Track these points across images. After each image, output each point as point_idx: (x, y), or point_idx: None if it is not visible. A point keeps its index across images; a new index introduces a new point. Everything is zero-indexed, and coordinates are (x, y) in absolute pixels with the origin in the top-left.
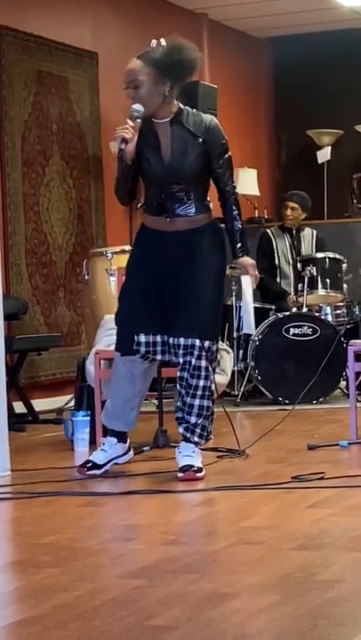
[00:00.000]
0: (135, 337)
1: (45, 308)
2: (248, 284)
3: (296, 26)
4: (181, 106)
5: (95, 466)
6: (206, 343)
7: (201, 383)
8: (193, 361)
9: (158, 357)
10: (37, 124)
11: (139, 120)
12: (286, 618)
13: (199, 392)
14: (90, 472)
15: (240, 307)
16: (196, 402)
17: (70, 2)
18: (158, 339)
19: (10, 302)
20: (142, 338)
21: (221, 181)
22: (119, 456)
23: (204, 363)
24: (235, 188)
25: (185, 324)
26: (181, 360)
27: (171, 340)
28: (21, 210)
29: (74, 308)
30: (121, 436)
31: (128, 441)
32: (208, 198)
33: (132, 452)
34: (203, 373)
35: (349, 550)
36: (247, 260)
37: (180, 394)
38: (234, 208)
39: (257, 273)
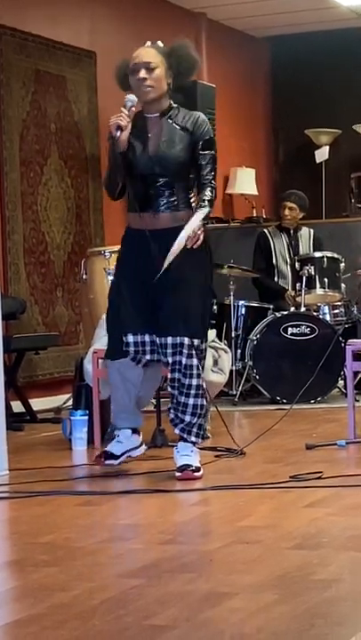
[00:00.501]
0: (123, 338)
1: (43, 307)
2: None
3: (294, 25)
4: (173, 103)
5: (112, 456)
6: (196, 341)
7: (194, 382)
8: (183, 360)
9: (147, 357)
10: (35, 124)
11: (133, 109)
12: (284, 617)
13: (193, 391)
14: (107, 462)
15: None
16: (191, 401)
17: (68, 1)
18: (147, 338)
19: (8, 302)
20: (130, 338)
21: (202, 173)
22: (134, 448)
23: (195, 361)
24: (214, 186)
25: (172, 323)
26: (170, 360)
27: (158, 339)
28: (19, 209)
29: (72, 307)
30: (134, 429)
31: (141, 434)
32: (192, 199)
33: (144, 446)
34: (195, 372)
35: (347, 550)
36: (193, 223)
37: (173, 395)
38: (208, 193)
39: (198, 231)
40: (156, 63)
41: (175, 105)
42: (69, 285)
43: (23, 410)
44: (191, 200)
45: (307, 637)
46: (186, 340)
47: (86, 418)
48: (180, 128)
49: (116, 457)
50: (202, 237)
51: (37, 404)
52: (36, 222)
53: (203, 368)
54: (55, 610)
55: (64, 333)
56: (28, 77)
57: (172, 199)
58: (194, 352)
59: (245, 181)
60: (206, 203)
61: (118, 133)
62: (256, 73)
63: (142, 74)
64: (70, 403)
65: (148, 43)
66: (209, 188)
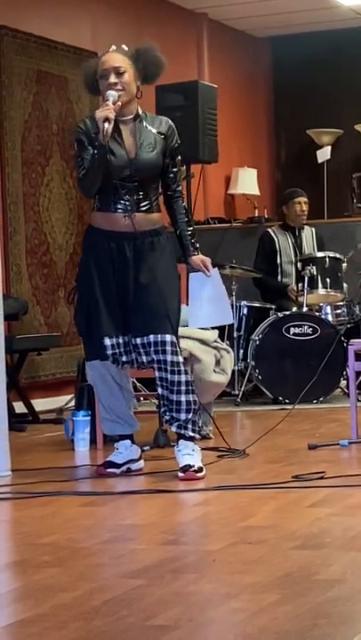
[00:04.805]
0: (101, 341)
1: (45, 307)
2: (204, 278)
3: (296, 25)
4: (139, 108)
5: (114, 465)
6: (175, 339)
7: (183, 378)
8: (168, 358)
9: (124, 359)
10: (37, 124)
11: (119, 103)
12: (287, 617)
13: (183, 387)
14: (109, 469)
15: (221, 299)
16: (183, 398)
17: (69, 1)
18: (121, 340)
19: (10, 302)
20: (107, 341)
21: (174, 182)
22: (134, 460)
23: (179, 358)
24: (182, 194)
25: (154, 322)
26: (154, 358)
27: (139, 340)
28: (21, 210)
29: (74, 307)
30: (132, 439)
31: (139, 449)
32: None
33: (143, 461)
34: (182, 368)
35: (350, 549)
36: (203, 257)
37: (163, 396)
38: (185, 208)
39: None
40: (125, 67)
41: (142, 110)
42: (71, 286)
43: (25, 410)
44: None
45: (309, 637)
46: (168, 338)
47: (89, 418)
48: (155, 132)
49: (118, 465)
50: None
51: (40, 404)
52: (38, 223)
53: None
54: (57, 610)
55: (66, 334)
56: (29, 78)
57: (146, 200)
58: (176, 349)
59: (247, 181)
60: (193, 239)
61: (106, 125)
62: (257, 73)
63: (112, 78)
64: (72, 403)
65: (113, 47)
66: (182, 202)
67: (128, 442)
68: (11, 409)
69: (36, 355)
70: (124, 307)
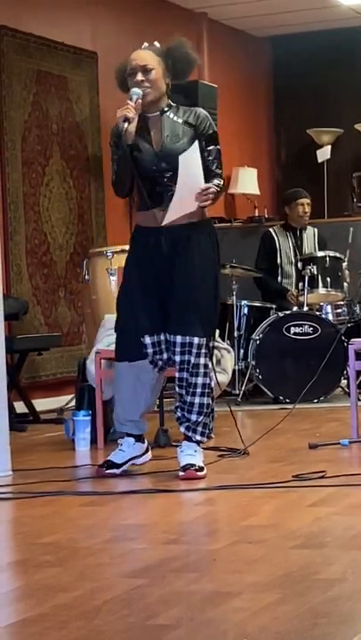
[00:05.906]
0: (141, 339)
1: (46, 307)
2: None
3: (296, 24)
4: (171, 102)
5: (114, 465)
6: (204, 340)
7: (200, 381)
8: (192, 359)
9: (165, 356)
10: (37, 124)
11: (140, 101)
12: (287, 617)
13: (198, 389)
14: (109, 471)
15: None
16: (196, 400)
17: (69, 1)
18: (162, 337)
19: (10, 302)
20: (147, 339)
21: (210, 168)
22: (137, 456)
23: (202, 360)
24: (222, 176)
25: (182, 322)
26: (178, 359)
27: (168, 337)
28: (22, 210)
29: (74, 307)
30: (138, 436)
31: (146, 442)
32: None
33: (150, 454)
34: (201, 371)
35: (350, 549)
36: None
37: (180, 395)
38: (220, 180)
39: (210, 192)
40: (153, 65)
41: (174, 104)
42: (72, 286)
43: (26, 410)
44: None
45: (310, 637)
46: (195, 340)
47: (89, 418)
48: (182, 122)
49: (118, 466)
50: (210, 201)
51: (40, 404)
52: (38, 223)
53: (213, 367)
54: (58, 610)
55: (66, 334)
56: (29, 78)
57: None
58: (202, 351)
59: (247, 181)
60: (218, 178)
61: (126, 125)
62: (258, 72)
63: (139, 77)
64: (73, 403)
65: (145, 44)
66: (218, 177)
67: (132, 439)
68: (11, 409)
69: (37, 355)
70: (164, 304)
